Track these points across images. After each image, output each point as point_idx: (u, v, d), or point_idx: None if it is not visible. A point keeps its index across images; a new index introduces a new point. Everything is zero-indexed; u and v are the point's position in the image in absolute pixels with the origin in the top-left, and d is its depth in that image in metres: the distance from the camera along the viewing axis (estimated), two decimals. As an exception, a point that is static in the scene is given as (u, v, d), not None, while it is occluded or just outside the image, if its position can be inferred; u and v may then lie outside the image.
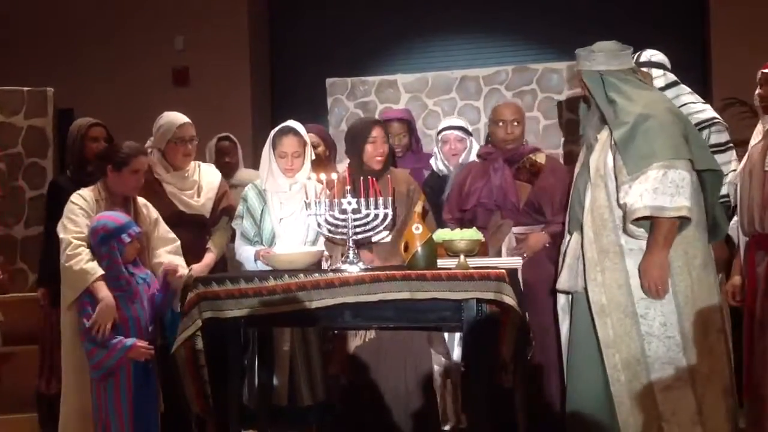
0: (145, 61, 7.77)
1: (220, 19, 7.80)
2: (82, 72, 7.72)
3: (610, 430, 3.35)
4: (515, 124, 4.25)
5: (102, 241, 3.59)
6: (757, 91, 3.62)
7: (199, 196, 4.23)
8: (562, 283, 3.51)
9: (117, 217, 3.65)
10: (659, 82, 4.08)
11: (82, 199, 3.80)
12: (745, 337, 3.61)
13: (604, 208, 3.37)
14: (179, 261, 3.87)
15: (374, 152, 3.94)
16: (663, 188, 3.20)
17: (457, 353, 4.11)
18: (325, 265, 3.74)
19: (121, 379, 3.56)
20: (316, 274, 3.40)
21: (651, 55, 4.16)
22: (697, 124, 4.02)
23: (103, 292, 3.57)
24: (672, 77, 4.15)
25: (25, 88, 5.59)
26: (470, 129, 4.82)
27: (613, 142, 3.35)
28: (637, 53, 4.16)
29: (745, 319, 3.60)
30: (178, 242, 3.93)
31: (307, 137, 4.02)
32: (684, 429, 3.28)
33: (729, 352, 3.41)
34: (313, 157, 4.19)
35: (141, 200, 3.94)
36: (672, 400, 3.28)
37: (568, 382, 3.51)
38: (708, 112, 4.07)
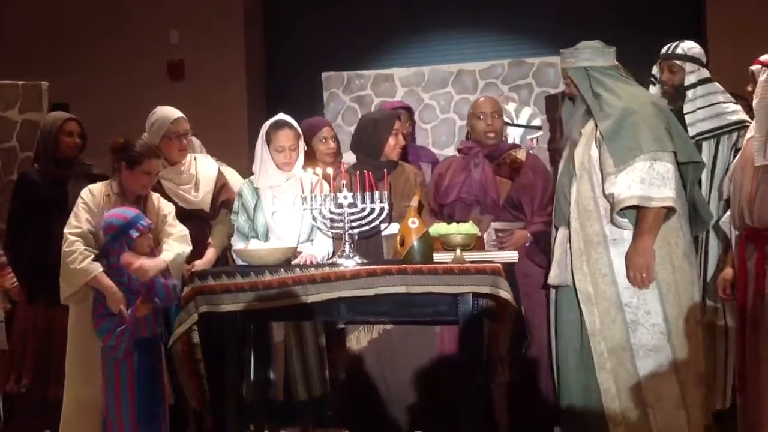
0: (140, 55, 7.75)
1: (216, 13, 7.78)
2: (77, 66, 7.69)
3: (600, 417, 3.41)
4: (495, 116, 4.26)
5: (112, 239, 3.62)
6: (748, 88, 3.65)
7: (197, 190, 4.22)
8: (553, 278, 3.58)
9: (123, 213, 3.66)
10: (692, 78, 4.09)
11: (90, 194, 3.84)
12: (737, 333, 3.63)
13: (588, 200, 3.45)
14: (178, 249, 3.83)
15: (395, 144, 4.05)
16: (650, 179, 3.30)
17: None
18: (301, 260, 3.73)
19: (122, 374, 3.57)
20: (312, 269, 3.40)
21: (688, 48, 4.14)
22: (725, 126, 4.03)
23: (104, 282, 3.59)
24: (706, 73, 4.12)
25: (20, 82, 5.57)
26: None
27: (598, 134, 3.43)
28: (675, 44, 4.16)
29: (737, 315, 3.62)
30: (186, 232, 3.92)
31: (300, 130, 4.02)
32: (668, 414, 3.36)
33: (703, 342, 3.52)
34: (332, 150, 4.27)
35: (154, 195, 3.95)
36: (656, 386, 3.37)
37: (558, 373, 3.57)
38: (739, 114, 4.04)
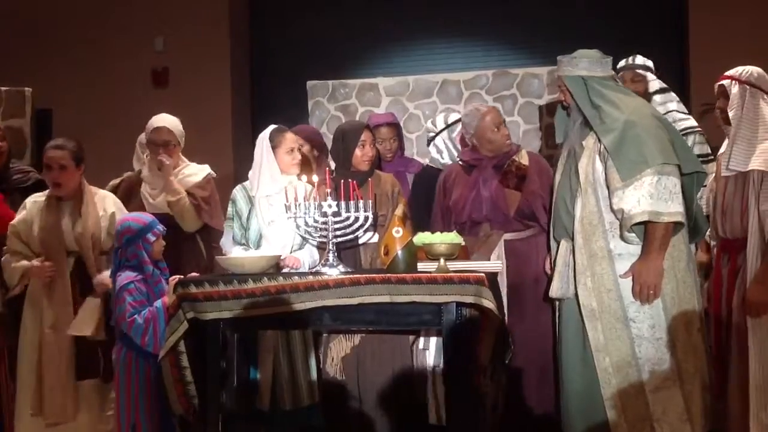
0: (124, 61, 7.72)
1: (201, 20, 7.77)
2: (61, 72, 7.66)
3: (605, 430, 3.40)
4: (505, 125, 4.27)
5: (128, 243, 3.65)
6: (718, 104, 3.69)
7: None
8: (555, 290, 3.56)
9: (140, 217, 3.73)
10: (654, 85, 4.35)
11: (23, 209, 3.97)
12: (714, 339, 3.66)
13: (593, 214, 3.42)
14: None
15: (363, 155, 4.06)
16: (658, 194, 3.27)
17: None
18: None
19: (152, 377, 3.60)
20: (296, 277, 3.39)
21: (644, 60, 4.43)
22: (681, 131, 4.18)
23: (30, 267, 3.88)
24: (662, 83, 4.41)
25: (3, 88, 5.55)
26: None
27: (602, 149, 3.40)
28: (632, 57, 4.44)
29: (713, 324, 3.65)
30: None
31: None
32: (674, 427, 3.35)
33: (707, 349, 3.50)
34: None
35: (102, 193, 4.02)
36: (662, 400, 3.36)
37: (562, 385, 3.55)
38: (690, 120, 4.36)
